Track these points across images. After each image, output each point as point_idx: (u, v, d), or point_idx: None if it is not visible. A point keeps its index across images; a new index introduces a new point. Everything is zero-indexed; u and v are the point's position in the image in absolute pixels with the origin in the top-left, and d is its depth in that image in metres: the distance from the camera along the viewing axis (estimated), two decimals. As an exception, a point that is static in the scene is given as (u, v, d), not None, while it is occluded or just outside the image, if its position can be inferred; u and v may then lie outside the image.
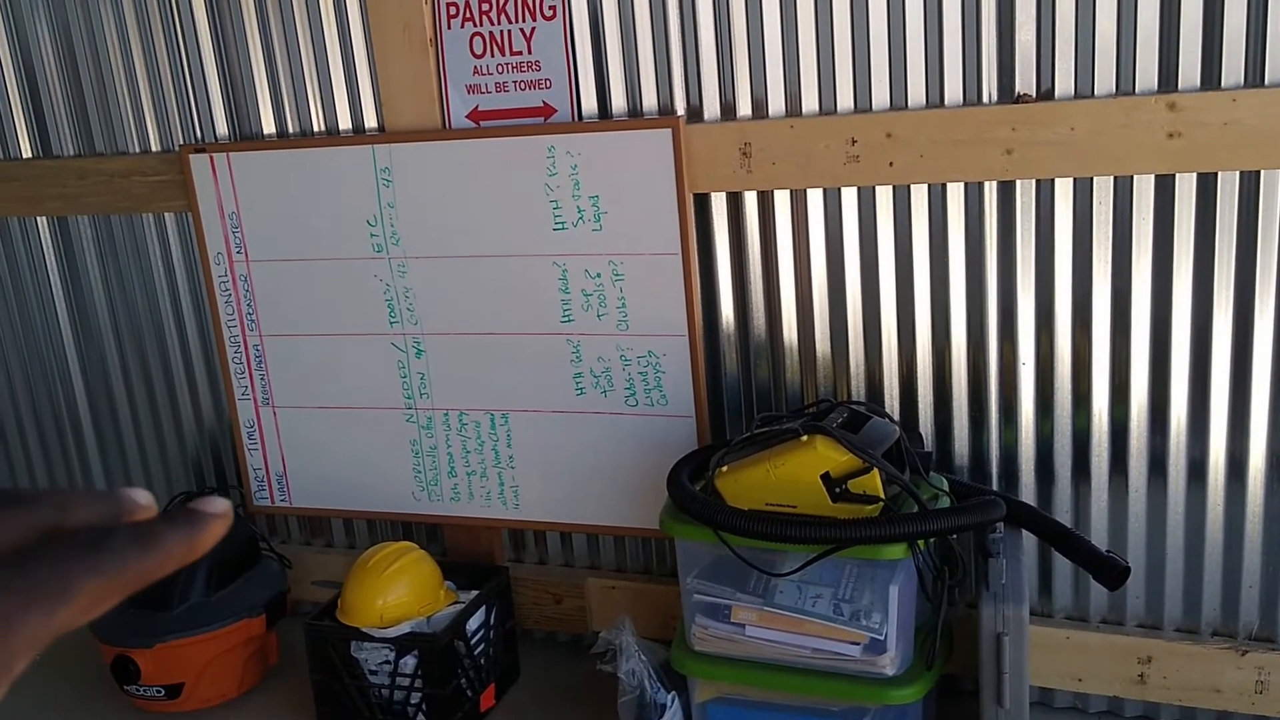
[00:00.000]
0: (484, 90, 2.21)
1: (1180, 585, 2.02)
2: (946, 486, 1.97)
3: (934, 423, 2.10)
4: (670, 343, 2.18)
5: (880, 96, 1.97)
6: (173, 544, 0.39)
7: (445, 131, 2.24)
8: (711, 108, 2.09)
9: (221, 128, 2.47)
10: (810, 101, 2.02)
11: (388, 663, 2.18)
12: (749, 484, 1.83)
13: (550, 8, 2.13)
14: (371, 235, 2.33)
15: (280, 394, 2.52)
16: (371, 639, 2.18)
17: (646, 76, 2.11)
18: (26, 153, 2.66)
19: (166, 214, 2.57)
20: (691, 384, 2.18)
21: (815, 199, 2.07)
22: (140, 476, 2.85)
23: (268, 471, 2.60)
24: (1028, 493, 2.07)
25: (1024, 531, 1.97)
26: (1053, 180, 1.90)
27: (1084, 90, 1.85)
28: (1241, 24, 1.75)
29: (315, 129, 2.39)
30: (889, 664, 1.85)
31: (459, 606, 2.27)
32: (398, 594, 2.22)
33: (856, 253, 2.07)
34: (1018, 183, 1.93)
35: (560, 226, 2.18)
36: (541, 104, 2.18)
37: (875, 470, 1.76)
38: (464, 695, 2.24)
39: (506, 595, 2.42)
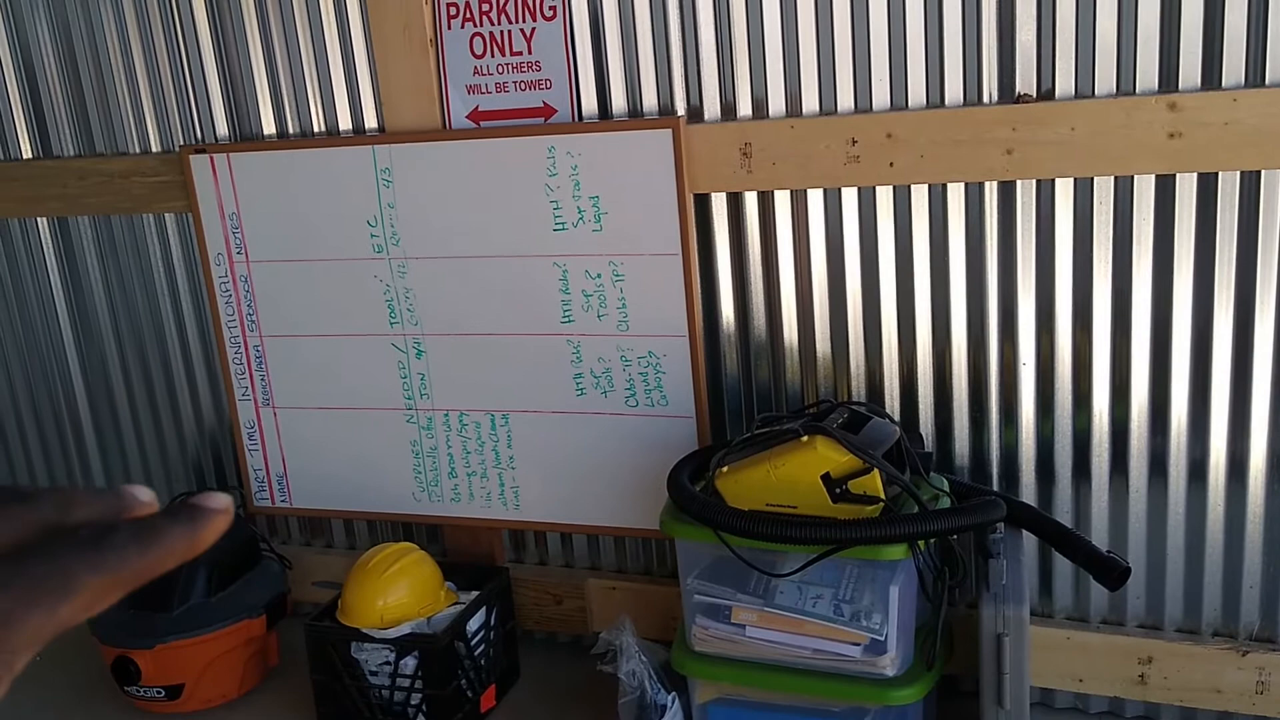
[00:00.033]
0: (484, 90, 2.21)
1: (1181, 586, 2.02)
2: (947, 487, 1.97)
3: (934, 423, 2.10)
4: (670, 343, 2.18)
5: (880, 96, 1.97)
6: (174, 540, 0.39)
7: (445, 132, 2.24)
8: (712, 108, 2.09)
9: (222, 128, 2.47)
10: (810, 101, 2.02)
11: (388, 663, 2.18)
12: (749, 484, 1.83)
13: (550, 8, 2.13)
14: (372, 236, 2.33)
15: (280, 395, 2.52)
16: (372, 640, 2.18)
17: (647, 76, 2.11)
18: (27, 153, 2.66)
19: (167, 214, 2.57)
20: (692, 384, 2.18)
21: (815, 199, 2.07)
22: (140, 477, 2.85)
23: (268, 472, 2.60)
24: (1028, 493, 2.07)
25: (1024, 532, 1.96)
26: (1053, 180, 1.90)
27: (1084, 90, 1.85)
28: (1242, 24, 1.75)
29: (315, 129, 2.39)
30: (889, 664, 1.85)
31: (459, 607, 2.26)
32: (398, 595, 2.22)
33: (857, 253, 2.07)
34: (1018, 183, 1.93)
35: (560, 227, 2.18)
36: (542, 104, 2.18)
37: (875, 471, 1.76)
38: (464, 696, 2.24)
39: (507, 596, 2.41)
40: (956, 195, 1.97)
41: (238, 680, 2.45)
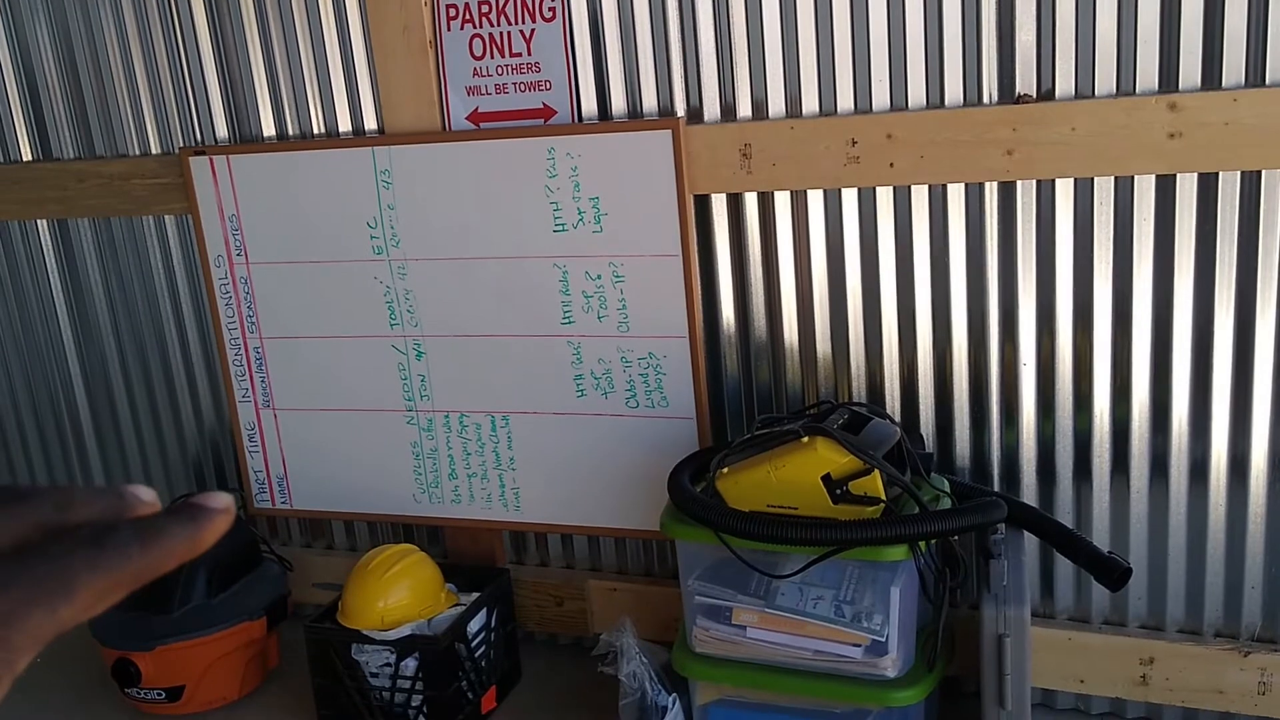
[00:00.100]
0: (484, 92, 2.21)
1: (1182, 586, 2.02)
2: (948, 487, 1.97)
3: (935, 424, 2.10)
4: (671, 344, 2.17)
5: (880, 97, 1.97)
6: (176, 539, 0.39)
7: (445, 133, 2.24)
8: (711, 109, 2.09)
9: (221, 130, 2.47)
10: (810, 102, 2.01)
11: (389, 665, 2.18)
12: (750, 485, 1.82)
13: (550, 9, 2.13)
14: (371, 237, 2.33)
15: (281, 396, 2.52)
16: (372, 641, 2.18)
17: (646, 78, 2.11)
18: (26, 155, 2.66)
19: (166, 216, 2.57)
20: (692, 385, 2.18)
21: (815, 200, 2.07)
22: (140, 479, 2.84)
23: (268, 474, 2.59)
24: (1029, 494, 2.06)
25: (1025, 533, 1.96)
26: (1053, 181, 1.90)
27: (1084, 90, 1.85)
28: (1242, 24, 1.75)
29: (315, 131, 2.39)
30: (890, 666, 1.84)
31: (460, 609, 2.26)
32: (399, 596, 2.21)
33: (857, 253, 2.07)
34: (1018, 183, 1.93)
35: (560, 228, 2.18)
36: (541, 105, 2.18)
37: (876, 471, 1.76)
38: (465, 698, 2.24)
39: (507, 597, 2.41)
40: (956, 196, 1.97)
41: (238, 682, 2.44)
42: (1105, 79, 1.83)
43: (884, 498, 1.76)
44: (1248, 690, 1.97)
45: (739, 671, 1.94)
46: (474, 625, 2.26)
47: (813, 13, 1.97)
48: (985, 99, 1.91)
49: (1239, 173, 1.81)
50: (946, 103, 1.93)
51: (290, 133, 2.41)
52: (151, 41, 2.46)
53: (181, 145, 2.49)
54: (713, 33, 2.05)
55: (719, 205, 2.14)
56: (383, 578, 2.22)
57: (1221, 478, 1.94)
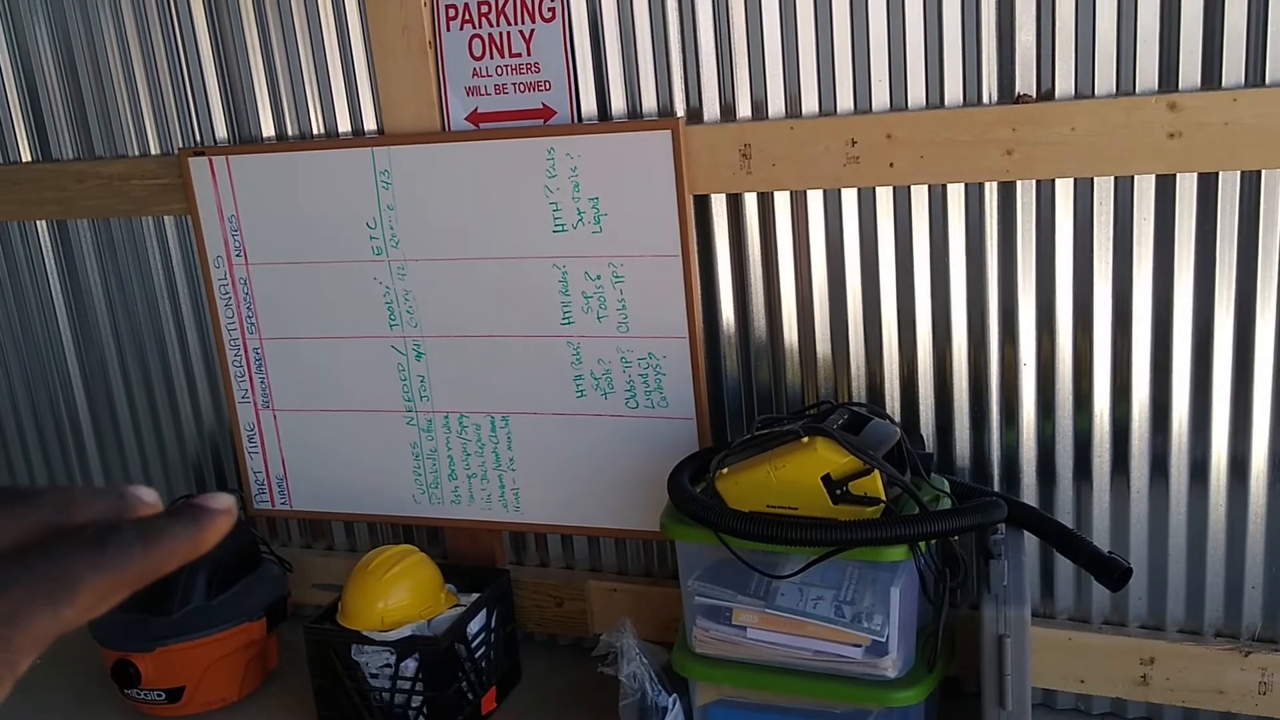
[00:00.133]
0: (483, 92, 2.21)
1: (1183, 586, 2.02)
2: (948, 488, 1.97)
3: (935, 424, 2.10)
4: (670, 345, 2.17)
5: (880, 97, 1.97)
6: (177, 540, 0.39)
7: (445, 134, 2.24)
8: (711, 109, 2.09)
9: (221, 130, 2.47)
10: (810, 102, 2.01)
11: (389, 666, 2.18)
12: (750, 486, 1.82)
13: (549, 9, 2.13)
14: (371, 238, 2.33)
15: (280, 397, 2.52)
16: (372, 642, 2.18)
17: (646, 78, 2.11)
18: (25, 156, 2.66)
19: (166, 217, 2.57)
20: (692, 386, 2.18)
21: (815, 200, 2.07)
22: (140, 480, 2.84)
23: (268, 475, 2.59)
24: (1029, 494, 2.06)
25: (1025, 533, 1.96)
26: (1053, 181, 1.90)
27: (1084, 90, 1.85)
28: (1242, 23, 1.75)
29: (314, 132, 2.39)
30: (890, 666, 1.84)
31: (460, 609, 2.26)
32: (398, 597, 2.21)
33: (857, 254, 2.06)
34: (1018, 183, 1.93)
35: (560, 228, 2.18)
36: (541, 106, 2.18)
37: (876, 472, 1.76)
38: (465, 698, 2.24)
39: (507, 598, 2.41)
40: (956, 196, 1.97)
41: (238, 683, 2.44)
42: (1105, 79, 1.83)
43: (884, 498, 1.76)
44: (1248, 690, 1.97)
45: (739, 672, 1.94)
46: (474, 626, 2.26)
47: (812, 13, 1.97)
48: (985, 99, 1.91)
49: (1239, 173, 1.81)
50: (946, 103, 1.93)
51: (290, 133, 2.41)
52: (151, 42, 2.46)
53: (181, 146, 2.49)
54: (712, 33, 2.05)
55: (719, 205, 2.14)
56: (383, 578, 2.22)
57: (1222, 477, 1.94)
